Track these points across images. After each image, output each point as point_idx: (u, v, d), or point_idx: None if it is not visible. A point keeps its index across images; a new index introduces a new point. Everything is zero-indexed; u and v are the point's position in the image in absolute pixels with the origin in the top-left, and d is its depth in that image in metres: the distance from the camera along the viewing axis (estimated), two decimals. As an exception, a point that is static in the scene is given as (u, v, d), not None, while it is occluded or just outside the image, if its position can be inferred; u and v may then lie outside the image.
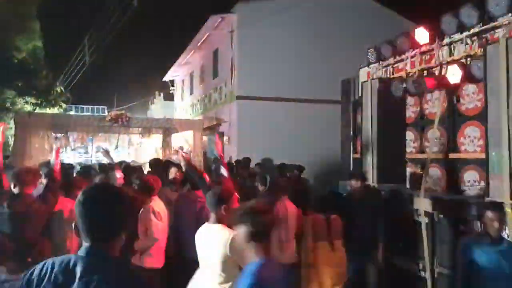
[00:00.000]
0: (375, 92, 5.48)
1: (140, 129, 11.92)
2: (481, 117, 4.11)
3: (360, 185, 4.52)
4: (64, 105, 19.45)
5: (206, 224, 3.02)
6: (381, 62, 5.76)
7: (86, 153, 22.12)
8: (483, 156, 4.01)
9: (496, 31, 4.17)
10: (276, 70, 10.83)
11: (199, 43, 13.89)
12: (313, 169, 10.07)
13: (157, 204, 4.13)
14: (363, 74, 6.36)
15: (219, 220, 2.94)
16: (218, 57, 13.18)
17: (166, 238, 4.15)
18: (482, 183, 4.05)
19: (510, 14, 3.96)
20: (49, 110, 17.67)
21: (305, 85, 10.72)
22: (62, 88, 19.35)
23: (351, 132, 6.75)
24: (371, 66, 6.04)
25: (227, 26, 11.74)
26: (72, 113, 26.77)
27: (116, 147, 13.18)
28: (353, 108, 6.71)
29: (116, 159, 9.76)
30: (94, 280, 1.32)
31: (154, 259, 4.01)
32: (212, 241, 2.86)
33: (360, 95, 6.16)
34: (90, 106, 33.83)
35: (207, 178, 4.92)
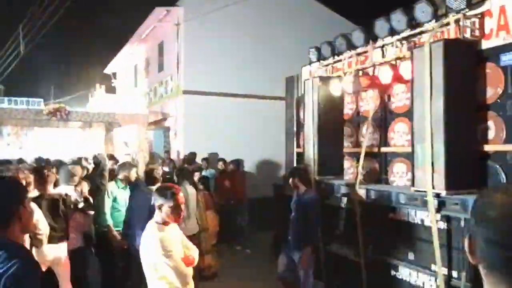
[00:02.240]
0: (316, 90, 5.77)
1: (80, 123, 11.47)
2: (409, 114, 4.51)
3: (295, 182, 4.75)
4: (-6, 97, 18.06)
5: (151, 220, 3.08)
6: (321, 61, 6.06)
7: (21, 148, 20.70)
8: (410, 149, 4.41)
9: (422, 35, 4.58)
10: (223, 65, 10.90)
11: (144, 35, 13.55)
12: (259, 163, 10.34)
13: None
14: (305, 72, 6.64)
15: (160, 217, 3.02)
16: (163, 50, 12.96)
17: None
18: (409, 175, 4.46)
19: (434, 21, 4.37)
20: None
21: (252, 81, 10.90)
22: (-8, 79, 17.94)
23: (295, 128, 7.03)
24: (313, 65, 6.33)
25: (172, 18, 11.58)
26: (4, 105, 24.82)
27: (55, 142, 12.58)
28: (296, 104, 6.98)
29: (55, 154, 9.37)
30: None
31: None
32: (146, 240, 2.97)
33: (302, 92, 6.45)
34: (24, 99, 31.59)
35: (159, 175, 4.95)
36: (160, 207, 3.01)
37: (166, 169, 10.04)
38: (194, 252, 3.18)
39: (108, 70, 19.47)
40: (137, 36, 13.79)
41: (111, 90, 22.33)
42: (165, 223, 3.02)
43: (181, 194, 3.09)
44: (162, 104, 12.70)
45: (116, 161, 8.21)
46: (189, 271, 3.03)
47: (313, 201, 4.56)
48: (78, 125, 11.84)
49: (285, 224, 6.65)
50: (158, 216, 3.03)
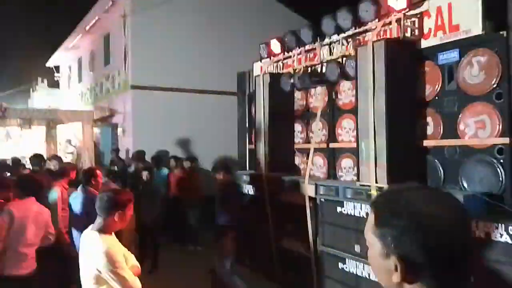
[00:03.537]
0: (267, 86, 5.78)
1: (19, 120, 10.73)
2: (355, 111, 4.63)
3: (223, 177, 4.85)
4: None
5: (89, 228, 2.84)
6: (272, 57, 6.07)
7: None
8: (355, 145, 4.54)
9: (366, 34, 4.71)
10: (173, 59, 10.63)
11: (88, 27, 12.91)
12: (212, 160, 10.22)
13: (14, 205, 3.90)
14: (256, 68, 6.62)
15: (105, 227, 2.76)
16: (109, 42, 12.43)
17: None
18: (355, 169, 4.59)
19: (377, 20, 4.50)
20: None
21: (202, 76, 10.73)
22: None
23: (247, 124, 7.00)
24: (263, 61, 6.32)
25: (118, 10, 11.11)
26: None
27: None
28: (248, 100, 6.96)
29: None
30: None
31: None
32: (89, 250, 2.74)
33: (254, 88, 6.43)
34: (-45, 94, 29.10)
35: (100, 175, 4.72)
36: (108, 214, 2.78)
37: (115, 168, 9.68)
38: (134, 260, 2.97)
39: (50, 63, 18.38)
40: (81, 28, 13.12)
41: (54, 84, 21.13)
42: (109, 232, 2.79)
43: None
44: (109, 99, 12.20)
45: (60, 160, 7.78)
46: (138, 281, 2.86)
47: (231, 186, 4.75)
48: (16, 123, 11.06)
49: (238, 221, 6.66)
50: (101, 223, 2.78)
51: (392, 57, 4.06)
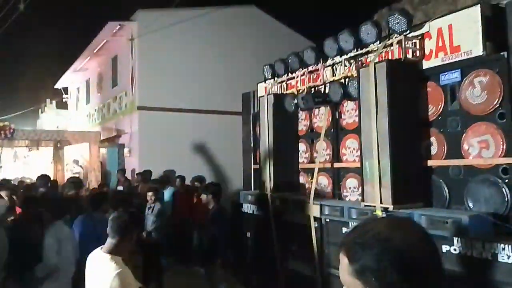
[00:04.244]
0: (271, 106, 5.84)
1: (27, 141, 10.88)
2: (358, 131, 4.65)
3: (208, 199, 4.82)
4: None
5: (98, 249, 2.81)
6: (275, 78, 6.16)
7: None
8: (359, 165, 4.54)
9: (369, 55, 4.78)
10: (179, 80, 10.81)
11: (96, 49, 13.20)
12: (217, 180, 10.23)
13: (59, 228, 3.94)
14: (260, 88, 6.71)
15: (117, 249, 2.72)
16: (117, 65, 12.67)
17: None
18: (360, 189, 4.58)
19: (378, 42, 4.58)
20: None
21: (208, 97, 10.88)
22: None
23: (251, 144, 7.04)
24: (267, 82, 6.41)
25: (126, 33, 11.39)
26: None
27: (-1, 161, 11.85)
28: (253, 120, 7.02)
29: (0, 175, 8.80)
30: None
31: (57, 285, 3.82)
32: (98, 272, 2.69)
33: (258, 108, 6.50)
34: (-34, 115, 29.64)
35: None
36: (123, 237, 2.74)
37: (121, 188, 9.72)
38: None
39: (59, 85, 18.71)
40: (89, 50, 13.40)
41: (63, 105, 21.46)
42: (120, 254, 2.73)
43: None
44: (116, 120, 12.35)
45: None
46: None
47: (215, 215, 4.64)
48: (24, 144, 11.21)
49: (243, 241, 6.63)
50: (113, 245, 2.72)
51: (394, 77, 4.11)
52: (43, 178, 7.36)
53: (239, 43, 11.44)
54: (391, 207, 3.89)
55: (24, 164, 14.28)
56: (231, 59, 11.20)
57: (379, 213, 3.95)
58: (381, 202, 3.97)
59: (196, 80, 10.93)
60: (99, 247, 2.86)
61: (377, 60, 4.39)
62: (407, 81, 4.24)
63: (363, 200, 4.23)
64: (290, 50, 6.13)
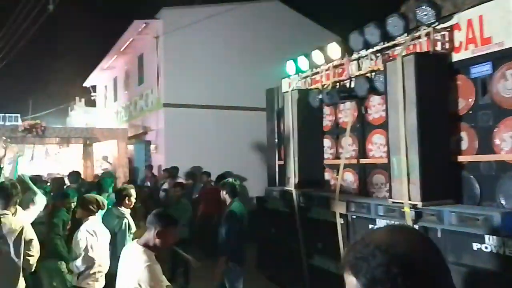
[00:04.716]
0: (295, 102, 5.82)
1: (57, 138, 11.24)
2: (385, 126, 4.57)
3: (225, 196, 4.84)
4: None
5: (135, 241, 2.89)
6: (300, 73, 6.12)
7: (-4, 165, 20.08)
8: (387, 161, 4.47)
9: (396, 48, 4.67)
10: (203, 77, 10.89)
11: (123, 48, 13.46)
12: (241, 176, 10.28)
13: (94, 224, 4.04)
14: (284, 84, 6.69)
15: (151, 243, 2.77)
16: (143, 62, 12.89)
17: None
18: (387, 186, 4.51)
19: (406, 34, 4.47)
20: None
21: (232, 93, 10.92)
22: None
23: (276, 140, 7.04)
24: (292, 77, 6.38)
25: (151, 31, 11.55)
26: (-20, 122, 24.24)
27: (32, 158, 12.29)
28: (277, 116, 7.01)
29: (33, 171, 9.14)
30: None
31: (92, 280, 3.94)
32: (130, 263, 2.75)
33: (283, 104, 6.48)
34: (1, 114, 30.88)
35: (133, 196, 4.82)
36: (157, 230, 2.77)
37: (148, 184, 9.94)
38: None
39: (87, 83, 19.22)
40: (116, 49, 13.68)
41: (91, 103, 22.05)
42: (154, 248, 2.77)
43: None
44: (142, 117, 12.59)
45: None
46: None
47: (227, 213, 4.59)
48: (55, 141, 11.58)
49: (269, 237, 6.65)
50: (150, 239, 2.78)
51: (423, 71, 4.01)
52: (74, 174, 7.60)
53: (263, 39, 11.40)
54: (420, 204, 3.81)
55: (55, 161, 14.78)
56: (255, 54, 11.18)
57: (407, 210, 3.88)
58: (409, 199, 3.89)
59: (221, 76, 10.98)
60: (136, 240, 2.94)
61: (404, 53, 4.29)
62: (436, 75, 4.13)
63: (390, 196, 4.16)
64: (315, 44, 6.08)
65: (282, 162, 6.69)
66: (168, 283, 2.88)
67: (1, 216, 3.46)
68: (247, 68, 11.01)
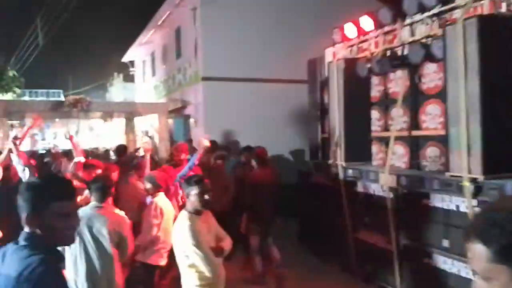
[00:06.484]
0: (341, 72, 5.58)
1: (100, 113, 11.54)
2: (442, 95, 4.29)
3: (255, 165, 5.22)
4: (18, 90, 18.41)
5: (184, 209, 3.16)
6: (346, 42, 5.84)
7: (43, 139, 21.26)
8: (443, 132, 4.22)
9: (455, 12, 4.32)
10: (242, 49, 10.69)
11: (160, 22, 13.44)
12: (281, 149, 10.20)
13: (161, 201, 4.08)
14: (328, 54, 6.43)
15: (190, 207, 3.07)
16: (180, 36, 12.83)
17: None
18: (443, 159, 4.27)
19: (466, -4, 4.10)
20: (1, 96, 16.67)
21: (272, 65, 10.66)
22: (15, 73, 18.23)
23: (319, 112, 6.85)
24: (336, 46, 6.11)
25: (189, 3, 11.40)
26: (26, 98, 25.39)
27: (77, 132, 12.76)
28: (320, 88, 6.79)
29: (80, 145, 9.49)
30: None
31: (157, 256, 4.01)
32: (177, 228, 3.07)
33: (326, 75, 6.25)
34: (44, 91, 32.23)
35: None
36: (187, 196, 3.06)
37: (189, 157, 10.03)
38: (226, 242, 3.16)
39: (125, 58, 19.50)
40: (153, 23, 13.69)
41: (129, 78, 22.45)
42: (196, 212, 3.05)
43: (205, 181, 3.08)
44: (181, 91, 12.65)
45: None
46: (218, 261, 3.02)
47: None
48: (98, 116, 11.91)
49: (311, 211, 6.59)
50: (187, 204, 3.07)
51: (486, 35, 3.69)
52: (122, 148, 7.78)
53: (304, 7, 10.94)
54: (481, 178, 3.58)
55: (97, 135, 15.30)
56: (296, 24, 10.78)
57: (466, 184, 3.66)
58: (469, 172, 3.67)
59: (260, 48, 10.73)
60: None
61: (465, 16, 3.96)
62: (500, 39, 3.79)
63: (447, 170, 3.94)
64: (356, 13, 5.75)
65: (325, 135, 6.52)
66: (223, 244, 3.14)
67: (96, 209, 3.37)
68: (286, 39, 10.68)
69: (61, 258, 1.66)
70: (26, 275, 1.44)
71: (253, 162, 5.67)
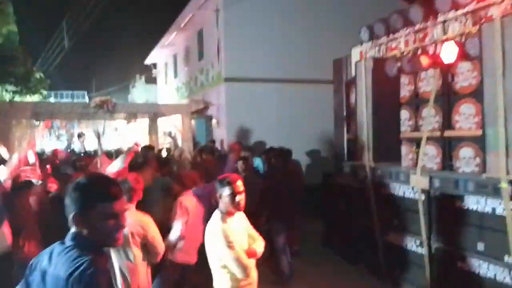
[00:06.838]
0: (369, 71, 5.50)
1: (124, 114, 11.71)
2: (476, 94, 4.17)
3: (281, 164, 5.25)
4: (44, 92, 18.90)
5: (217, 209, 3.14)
6: (374, 41, 5.75)
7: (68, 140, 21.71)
8: (478, 133, 4.09)
9: (490, 9, 4.19)
10: (265, 50, 10.68)
11: (183, 24, 13.57)
12: (305, 150, 10.13)
13: (187, 199, 4.11)
14: (355, 53, 6.34)
15: (222, 207, 3.06)
16: (203, 37, 12.92)
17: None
18: (478, 160, 4.14)
19: (503, -8, 3.98)
20: (29, 98, 17.15)
21: (295, 65, 10.61)
22: (42, 75, 18.73)
23: (344, 113, 6.76)
24: (364, 45, 6.02)
25: (212, 5, 11.47)
26: (52, 99, 26.10)
27: (103, 133, 12.99)
28: (346, 88, 6.70)
29: (105, 146, 9.65)
30: None
31: (185, 254, 4.02)
32: (210, 228, 3.06)
33: (353, 75, 6.17)
34: (69, 92, 33.04)
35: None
36: (220, 197, 3.05)
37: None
38: (259, 244, 3.13)
39: (148, 61, 19.77)
40: (176, 25, 13.83)
41: (151, 80, 22.76)
42: (228, 213, 3.04)
43: (238, 183, 3.04)
44: (203, 92, 12.73)
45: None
46: (251, 263, 3.00)
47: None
48: (121, 117, 12.10)
49: (335, 212, 6.51)
50: (220, 205, 3.07)
51: (526, 32, 3.56)
52: (147, 148, 7.85)
53: (329, 6, 10.84)
54: (521, 180, 3.45)
55: (122, 136, 15.55)
56: (319, 24, 10.68)
57: (504, 185, 3.54)
58: (507, 173, 3.55)
59: (282, 48, 10.69)
60: None
61: (501, 13, 3.83)
62: (541, 36, 3.65)
63: (484, 171, 3.82)
64: (382, 12, 5.64)
65: (351, 136, 6.43)
66: (255, 246, 3.12)
67: None
68: (310, 38, 10.61)
69: (108, 259, 1.65)
70: (76, 276, 1.44)
71: (276, 163, 5.65)
